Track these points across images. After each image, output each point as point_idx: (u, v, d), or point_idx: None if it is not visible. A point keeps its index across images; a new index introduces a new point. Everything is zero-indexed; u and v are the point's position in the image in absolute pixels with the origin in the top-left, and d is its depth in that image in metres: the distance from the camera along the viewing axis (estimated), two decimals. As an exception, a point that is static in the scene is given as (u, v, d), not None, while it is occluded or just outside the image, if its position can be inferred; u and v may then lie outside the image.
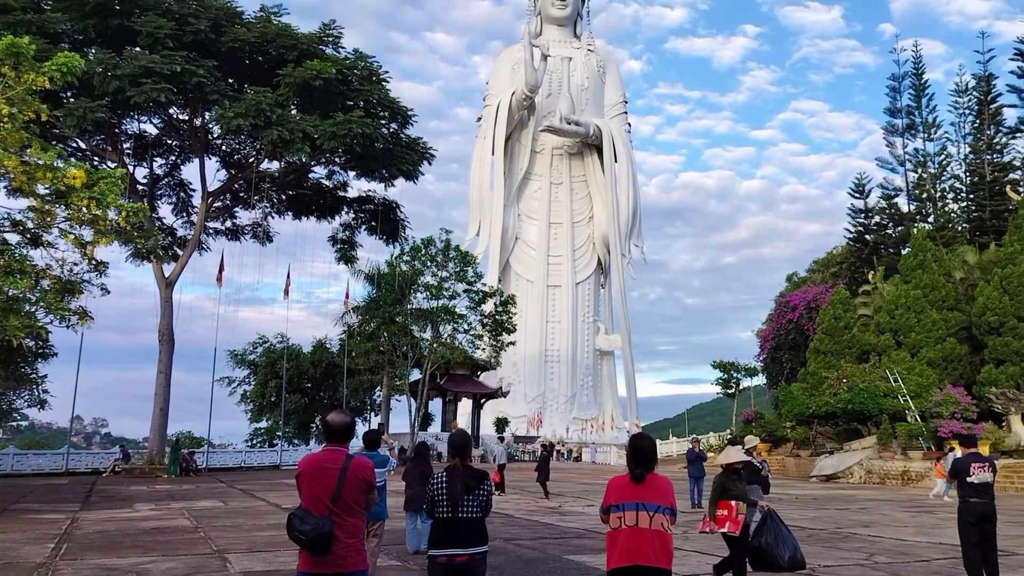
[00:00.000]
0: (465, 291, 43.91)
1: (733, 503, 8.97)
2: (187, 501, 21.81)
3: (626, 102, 76.95)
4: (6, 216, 21.86)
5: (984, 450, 9.99)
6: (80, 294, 21.13)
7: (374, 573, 8.82)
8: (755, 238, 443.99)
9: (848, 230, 58.40)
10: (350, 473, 5.02)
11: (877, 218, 57.10)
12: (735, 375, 65.25)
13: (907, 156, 56.16)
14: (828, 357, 41.32)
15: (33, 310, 19.11)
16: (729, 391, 67.06)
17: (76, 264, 21.24)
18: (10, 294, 18.29)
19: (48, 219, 20.74)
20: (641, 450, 5.28)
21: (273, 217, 45.33)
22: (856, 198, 57.61)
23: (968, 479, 9.18)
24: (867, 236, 56.72)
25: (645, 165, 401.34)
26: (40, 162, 19.48)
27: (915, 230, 46.83)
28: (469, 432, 5.79)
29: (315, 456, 5.22)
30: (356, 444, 9.10)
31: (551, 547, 12.92)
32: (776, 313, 58.37)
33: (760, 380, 65.41)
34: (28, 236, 21.75)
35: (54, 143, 28.06)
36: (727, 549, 9.25)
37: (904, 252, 47.27)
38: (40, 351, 21.10)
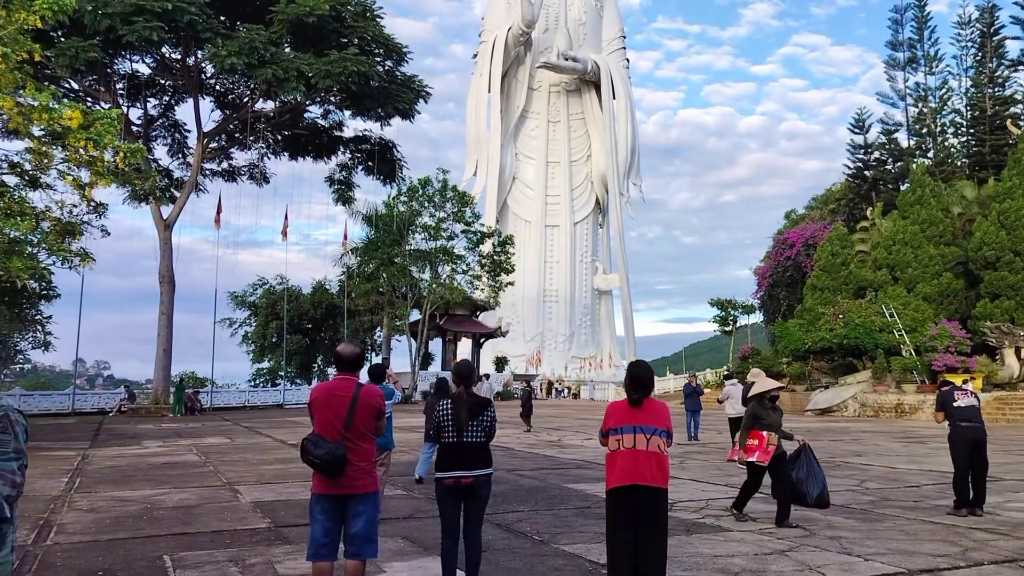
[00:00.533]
0: (463, 231, 43.99)
1: (765, 433, 8.86)
2: (194, 438, 22.27)
3: (624, 37, 75.75)
4: (3, 158, 21.83)
5: (976, 387, 10.44)
6: (80, 236, 21.24)
7: (380, 500, 9.13)
8: (754, 176, 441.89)
9: (847, 166, 58.29)
10: (361, 400, 5.24)
11: (877, 154, 56.91)
12: (732, 313, 65.72)
13: (908, 90, 55.75)
14: (825, 293, 41.67)
15: (35, 252, 19.23)
16: (726, 329, 67.62)
17: (75, 206, 21.30)
18: (11, 236, 18.38)
19: (45, 161, 20.71)
20: (639, 376, 5.48)
21: (269, 158, 45.20)
22: (856, 134, 57.35)
23: (955, 404, 9.58)
24: (866, 172, 56.58)
25: (644, 102, 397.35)
26: (35, 103, 19.36)
27: (914, 165, 46.72)
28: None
29: (327, 384, 5.43)
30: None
31: (551, 477, 13.30)
32: (774, 251, 58.56)
33: (757, 318, 65.97)
34: (26, 178, 21.75)
35: (47, 84, 27.78)
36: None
37: (903, 188, 47.22)
38: (43, 292, 21.25)
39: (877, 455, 16.78)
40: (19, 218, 19.01)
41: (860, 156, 57.23)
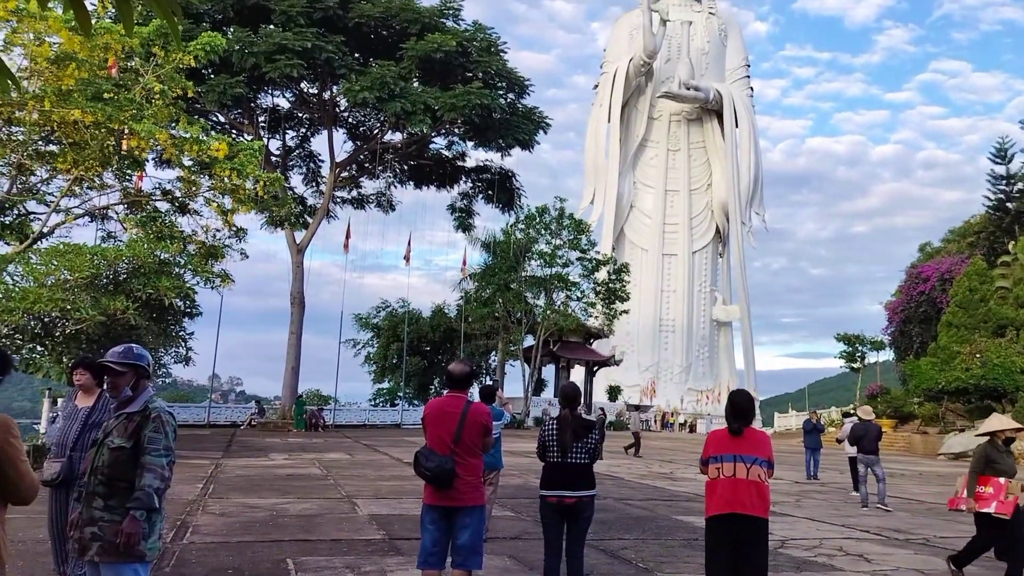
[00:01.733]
0: (578, 259, 44.23)
1: (1002, 480, 7.56)
2: (317, 453, 23.33)
3: (748, 66, 74.63)
4: (157, 186, 23.78)
5: None
6: (222, 258, 22.80)
7: (489, 519, 9.43)
8: (887, 206, 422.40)
9: (987, 197, 55.13)
10: (470, 417, 5.58)
11: (1020, 185, 53.58)
12: (861, 349, 62.90)
13: (1058, 118, 52.28)
14: (961, 331, 39.47)
15: (181, 272, 20.79)
16: (854, 365, 64.78)
17: (219, 230, 22.90)
18: (162, 257, 19.97)
19: (194, 188, 22.46)
20: (739, 405, 5.57)
21: (396, 187, 47.03)
22: (997, 163, 54.26)
23: None
24: (1008, 204, 53.36)
25: (769, 131, 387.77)
26: (187, 136, 21.08)
27: (1063, 198, 43.76)
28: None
29: (439, 401, 5.81)
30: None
31: (660, 507, 13.27)
32: (907, 285, 55.94)
33: (887, 355, 62.90)
34: (176, 204, 23.60)
35: (196, 117, 30.12)
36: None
37: (1050, 221, 44.29)
38: (187, 310, 22.93)
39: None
40: (169, 241, 20.66)
41: (1002, 187, 54.07)
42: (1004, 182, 54.00)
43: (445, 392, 5.89)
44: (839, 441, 18.93)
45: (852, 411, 25.01)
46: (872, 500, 14.24)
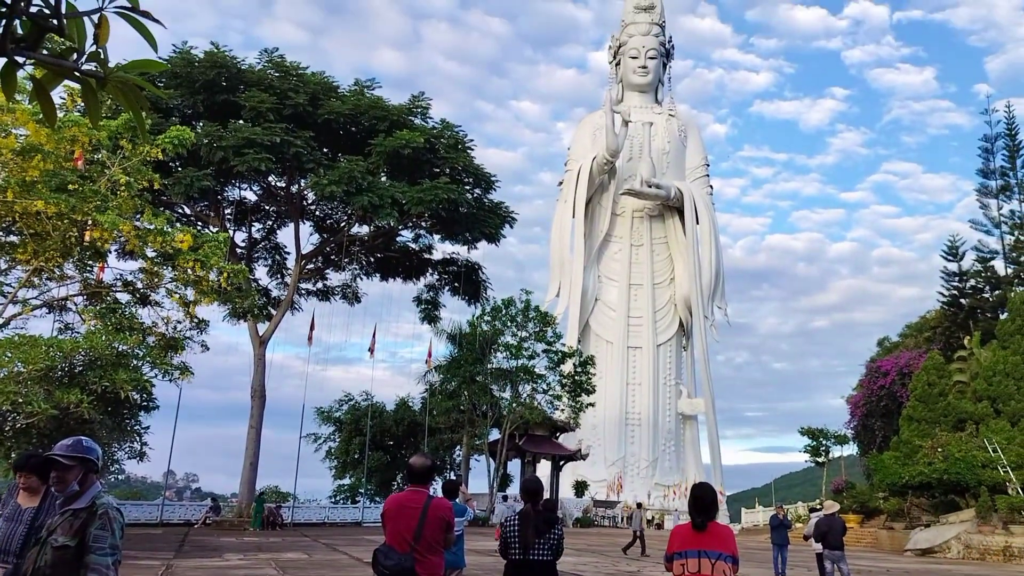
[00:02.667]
0: (544, 351, 44.26)
1: None
2: (273, 552, 22.51)
3: (708, 165, 77.05)
4: (119, 277, 23.57)
5: None
6: (182, 350, 22.47)
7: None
8: (846, 302, 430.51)
9: (942, 294, 56.63)
10: (431, 512, 5.46)
11: (972, 281, 55.22)
12: (824, 443, 63.05)
13: (1003, 218, 54.47)
14: (922, 425, 39.84)
15: (140, 364, 20.41)
16: (819, 459, 64.77)
17: (180, 322, 22.63)
18: (120, 350, 19.62)
19: (156, 280, 22.31)
20: (702, 499, 5.54)
21: (362, 279, 47.06)
22: (949, 261, 55.97)
23: None
24: (962, 300, 54.82)
25: (730, 227, 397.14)
26: (151, 227, 21.07)
27: (1013, 294, 45.09)
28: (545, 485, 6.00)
29: (399, 496, 5.70)
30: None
31: (626, 607, 12.94)
32: (867, 379, 56.63)
33: (851, 449, 63.08)
34: (137, 296, 23.36)
35: (162, 209, 30.16)
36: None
37: (1002, 317, 45.47)
38: (144, 404, 22.40)
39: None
40: (128, 333, 20.35)
41: (955, 284, 55.65)
42: (957, 279, 55.62)
43: (406, 487, 5.78)
44: (806, 538, 18.75)
45: (818, 506, 24.93)
46: None
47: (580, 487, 54.39)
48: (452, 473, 52.17)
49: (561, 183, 75.44)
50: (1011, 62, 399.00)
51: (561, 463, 50.56)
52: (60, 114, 19.78)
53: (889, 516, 38.43)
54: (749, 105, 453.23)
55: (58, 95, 20.09)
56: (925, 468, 34.76)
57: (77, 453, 4.10)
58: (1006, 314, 43.49)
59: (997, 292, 52.91)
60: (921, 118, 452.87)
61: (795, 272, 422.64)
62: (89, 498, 4.06)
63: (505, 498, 32.49)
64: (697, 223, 71.89)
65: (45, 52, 2.65)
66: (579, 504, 50.94)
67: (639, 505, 30.56)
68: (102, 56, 2.66)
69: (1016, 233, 53.69)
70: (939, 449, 35.43)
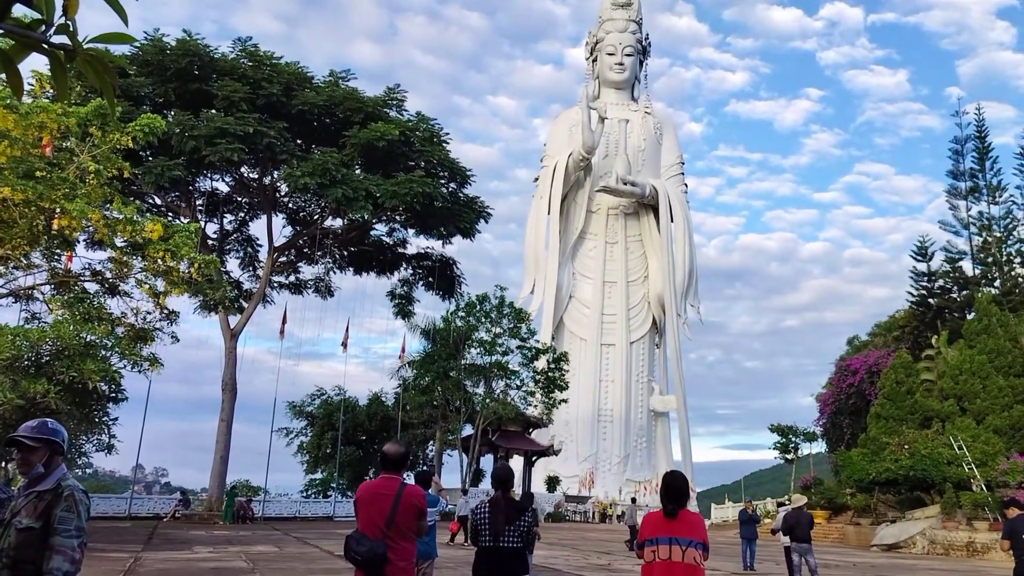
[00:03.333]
0: (518, 347, 44.28)
1: None
2: (244, 545, 22.32)
3: (683, 163, 77.52)
4: (87, 267, 23.22)
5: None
6: (152, 341, 22.19)
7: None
8: (818, 301, 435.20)
9: (911, 293, 57.42)
10: (403, 499, 5.44)
11: (941, 282, 56.08)
12: (794, 440, 63.70)
13: (971, 219, 55.34)
14: (890, 423, 40.38)
15: (108, 355, 20.13)
16: (788, 457, 65.47)
17: (149, 313, 22.35)
18: (88, 340, 19.34)
19: (125, 270, 22.00)
20: (674, 487, 5.58)
21: (335, 272, 46.76)
22: (919, 261, 56.79)
23: (1023, 537, 9.25)
24: (930, 300, 55.65)
25: (704, 226, 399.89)
26: (120, 216, 20.77)
27: (980, 294, 45.86)
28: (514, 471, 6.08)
29: (371, 483, 5.67)
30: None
31: (597, 599, 13.00)
32: (836, 377, 57.29)
33: (820, 446, 63.80)
34: (106, 285, 23.04)
35: (132, 199, 29.73)
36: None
37: (969, 317, 46.25)
38: (112, 395, 22.09)
39: (943, 594, 15.94)
40: (96, 323, 20.06)
41: (924, 284, 56.48)
42: (926, 279, 56.44)
43: (378, 475, 5.74)
44: (773, 532, 18.97)
45: (787, 502, 25.20)
46: None
47: (552, 482, 54.55)
48: (425, 467, 52.03)
49: (537, 179, 75.49)
50: (982, 65, 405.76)
51: (534, 459, 50.69)
52: (28, 100, 19.43)
53: (856, 512, 38.92)
54: (725, 104, 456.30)
55: (27, 80, 19.71)
56: (892, 465, 35.25)
57: (42, 435, 4.03)
58: (973, 314, 44.23)
59: (965, 292, 53.76)
60: (894, 120, 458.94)
61: (768, 271, 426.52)
62: (55, 480, 3.99)
63: (465, 492, 32.57)
64: (672, 221, 72.30)
65: (12, 23, 2.59)
66: (551, 499, 51.07)
67: (633, 500, 30.78)
68: (71, 28, 2.60)
69: (984, 234, 54.58)
70: (906, 446, 35.94)
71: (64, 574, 3.80)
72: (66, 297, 21.09)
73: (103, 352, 20.03)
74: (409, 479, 8.59)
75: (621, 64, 75.90)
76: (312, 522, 39.65)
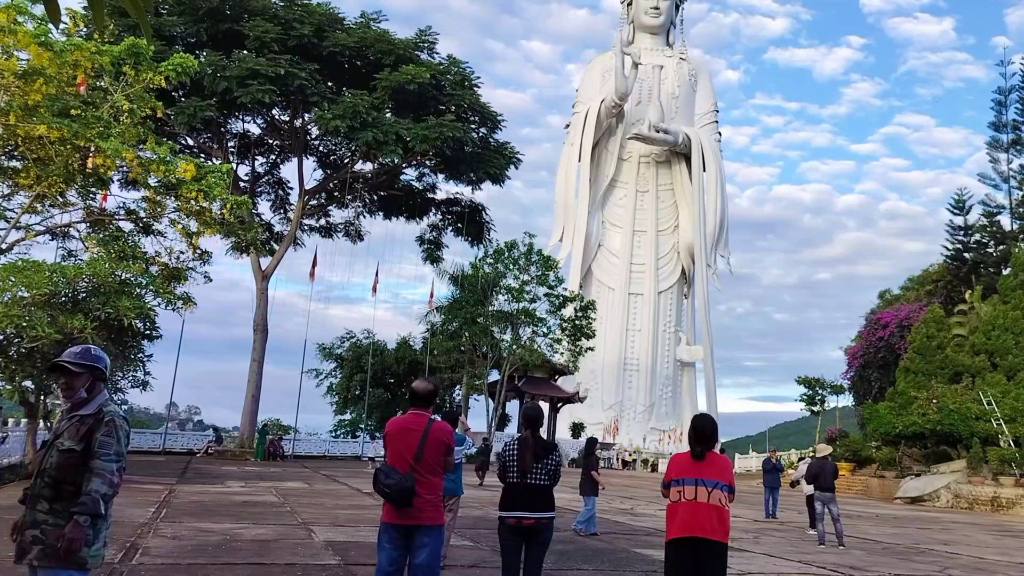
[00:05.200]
0: (546, 295, 44.31)
1: None
2: (274, 481, 22.91)
3: (717, 111, 76.09)
4: (121, 205, 23.48)
5: None
6: (185, 280, 22.48)
7: (447, 546, 9.28)
8: (851, 255, 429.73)
9: (946, 247, 56.43)
10: (431, 435, 5.51)
11: (977, 236, 54.98)
12: (820, 392, 63.53)
13: (1012, 172, 53.94)
14: (919, 377, 40.08)
15: (143, 293, 20.45)
16: (814, 409, 65.37)
17: (183, 252, 22.60)
18: (123, 277, 19.64)
19: (159, 209, 22.19)
20: (703, 429, 5.60)
21: (365, 216, 46.89)
22: (955, 215, 55.66)
23: None
24: (966, 254, 54.66)
25: (738, 177, 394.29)
26: (154, 156, 20.87)
27: (1016, 249, 44.94)
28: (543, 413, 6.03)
29: (401, 419, 5.75)
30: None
31: (620, 540, 13.21)
32: (866, 331, 56.80)
33: (847, 399, 63.61)
34: (140, 225, 23.31)
35: (164, 139, 29.87)
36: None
37: (1004, 272, 45.40)
38: (147, 332, 22.50)
39: (966, 545, 15.99)
40: (131, 261, 20.33)
41: (960, 238, 55.42)
42: (962, 233, 55.37)
43: (408, 410, 5.82)
44: (793, 484, 19.04)
45: (812, 454, 25.24)
46: (830, 539, 14.30)
47: (577, 429, 55.07)
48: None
49: (568, 126, 74.63)
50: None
51: (559, 405, 51.12)
52: (62, 38, 19.44)
53: (880, 465, 38.92)
54: (763, 52, 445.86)
55: (63, 16, 19.71)
56: (919, 419, 35.11)
57: (86, 361, 4.13)
58: (1008, 269, 43.41)
59: (1001, 247, 52.70)
60: (937, 70, 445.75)
61: (801, 223, 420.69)
62: (96, 405, 4.10)
63: (486, 440, 33.03)
64: (704, 171, 71.32)
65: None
66: (575, 445, 51.59)
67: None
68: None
69: (1024, 188, 53.25)
70: (934, 401, 35.73)
71: (102, 496, 3.92)
72: (101, 235, 21.36)
73: (138, 290, 20.34)
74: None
75: (656, 8, 74.20)
76: (340, 461, 40.52)
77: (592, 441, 14.99)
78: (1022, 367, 36.75)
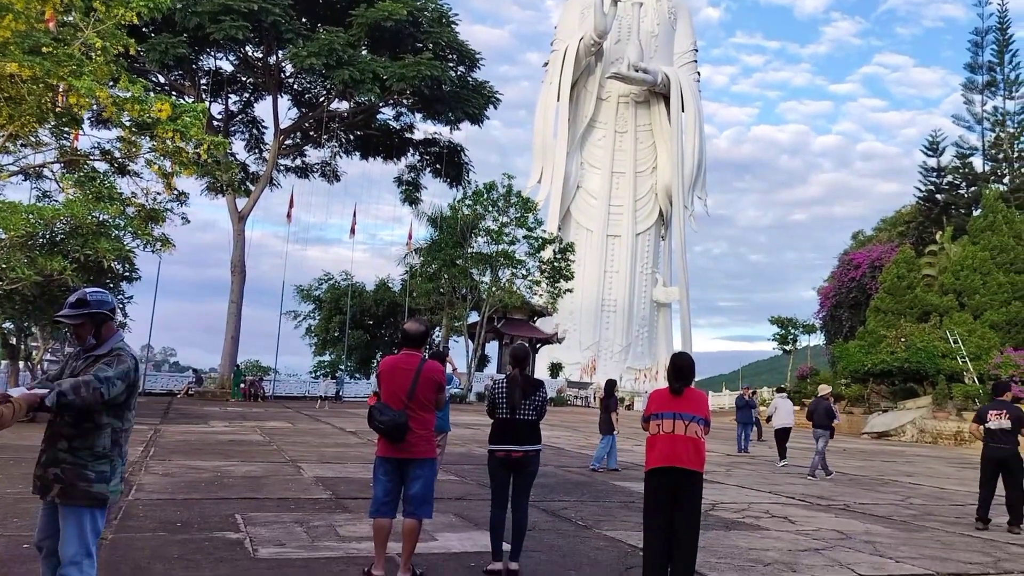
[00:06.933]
0: (525, 237, 44.49)
1: None
2: (258, 421, 23.23)
3: (696, 51, 75.46)
4: (96, 146, 23.17)
5: (1009, 397, 10.44)
6: (163, 222, 22.36)
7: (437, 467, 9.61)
8: (827, 196, 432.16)
9: (919, 189, 57.11)
10: (423, 374, 5.76)
11: (950, 177, 55.63)
12: (793, 331, 64.78)
13: (985, 114, 54.39)
14: (888, 316, 40.99)
15: (120, 235, 20.36)
16: (786, 348, 66.68)
17: (159, 193, 22.42)
18: (100, 219, 19.53)
19: (134, 149, 21.90)
20: (681, 366, 5.88)
21: (341, 157, 46.51)
22: (929, 156, 56.18)
23: (986, 424, 9.82)
24: (938, 196, 55.37)
25: (717, 117, 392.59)
26: (127, 95, 20.53)
27: (987, 191, 45.60)
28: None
29: (394, 358, 5.97)
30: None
31: (599, 474, 13.68)
32: (839, 271, 57.69)
33: (819, 338, 64.91)
34: (115, 165, 23.05)
35: (136, 77, 29.26)
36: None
37: (975, 213, 46.15)
38: (126, 274, 22.46)
39: (928, 476, 16.71)
40: (107, 202, 20.18)
41: (932, 179, 56.04)
42: (935, 174, 55.96)
43: (400, 350, 6.04)
44: (768, 419, 19.67)
45: (781, 387, 25.86)
46: (820, 472, 15.02)
47: (555, 369, 55.86)
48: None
49: (547, 64, 73.77)
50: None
51: (538, 346, 51.77)
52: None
53: (850, 401, 40.00)
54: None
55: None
56: (887, 356, 36.01)
57: (80, 311, 4.12)
58: (979, 211, 44.12)
59: (973, 189, 53.42)
60: (917, 9, 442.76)
61: (778, 164, 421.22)
62: (108, 347, 4.16)
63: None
64: (683, 111, 71.07)
65: None
66: (554, 385, 52.45)
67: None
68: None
69: (997, 130, 53.75)
70: (902, 339, 36.62)
71: (59, 392, 3.79)
72: (77, 176, 21.14)
73: (116, 231, 20.25)
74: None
75: (637, -57, 72.73)
76: (330, 401, 40.91)
77: (611, 383, 15.44)
78: (989, 306, 37.69)
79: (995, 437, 9.79)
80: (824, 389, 16.67)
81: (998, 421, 9.82)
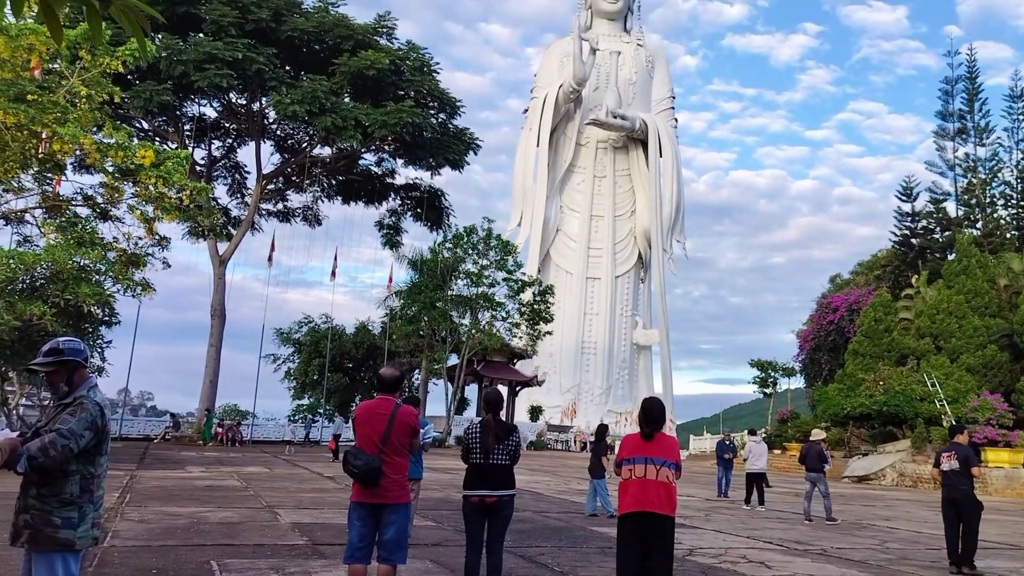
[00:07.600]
0: (504, 280, 44.73)
1: None
2: (235, 466, 23.01)
3: (673, 97, 76.87)
4: (79, 191, 23.26)
5: (964, 439, 10.79)
6: (144, 266, 22.41)
7: (410, 528, 9.62)
8: (805, 239, 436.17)
9: (894, 233, 57.99)
10: (398, 418, 5.87)
11: (924, 222, 56.57)
12: (773, 374, 65.07)
13: (957, 160, 55.55)
14: (867, 359, 41.34)
15: (101, 279, 20.37)
16: (767, 391, 66.91)
17: (141, 238, 22.51)
18: (81, 263, 19.55)
19: (116, 195, 22.05)
20: (651, 411, 6.03)
21: (323, 201, 46.80)
22: (903, 201, 57.17)
23: (940, 466, 10.14)
24: (913, 240, 56.26)
25: (695, 162, 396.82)
26: (112, 141, 20.73)
27: (961, 235, 46.43)
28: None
29: (369, 403, 6.08)
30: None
31: (577, 519, 13.70)
32: (817, 314, 58.23)
33: (799, 381, 65.22)
34: (98, 210, 23.13)
35: (121, 123, 29.48)
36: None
37: (949, 257, 46.91)
38: (105, 319, 22.40)
39: (906, 520, 16.82)
40: (89, 247, 20.24)
41: (907, 224, 56.99)
42: (909, 219, 56.92)
43: (375, 395, 6.15)
44: (744, 460, 19.79)
45: (753, 429, 25.92)
46: (817, 515, 15.13)
47: (535, 412, 55.71)
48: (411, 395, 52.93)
49: (527, 111, 74.81)
50: (982, 4, 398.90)
51: (518, 388, 51.69)
52: (18, 21, 19.16)
53: (830, 445, 40.12)
54: (721, 38, 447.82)
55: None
56: (866, 400, 36.29)
57: (52, 359, 4.22)
58: (953, 255, 44.87)
59: (947, 233, 54.34)
60: (890, 58, 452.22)
61: (757, 208, 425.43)
62: (74, 395, 4.24)
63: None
64: (660, 156, 72.11)
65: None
66: (534, 428, 52.26)
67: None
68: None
69: (969, 176, 54.91)
70: (881, 382, 36.94)
71: (29, 457, 3.89)
72: (58, 221, 21.20)
73: (96, 276, 20.27)
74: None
75: (615, -7, 74.49)
76: (299, 446, 40.54)
77: (603, 428, 15.72)
78: (965, 350, 38.15)
79: (948, 479, 10.14)
80: (818, 434, 17.02)
81: (949, 463, 10.14)
